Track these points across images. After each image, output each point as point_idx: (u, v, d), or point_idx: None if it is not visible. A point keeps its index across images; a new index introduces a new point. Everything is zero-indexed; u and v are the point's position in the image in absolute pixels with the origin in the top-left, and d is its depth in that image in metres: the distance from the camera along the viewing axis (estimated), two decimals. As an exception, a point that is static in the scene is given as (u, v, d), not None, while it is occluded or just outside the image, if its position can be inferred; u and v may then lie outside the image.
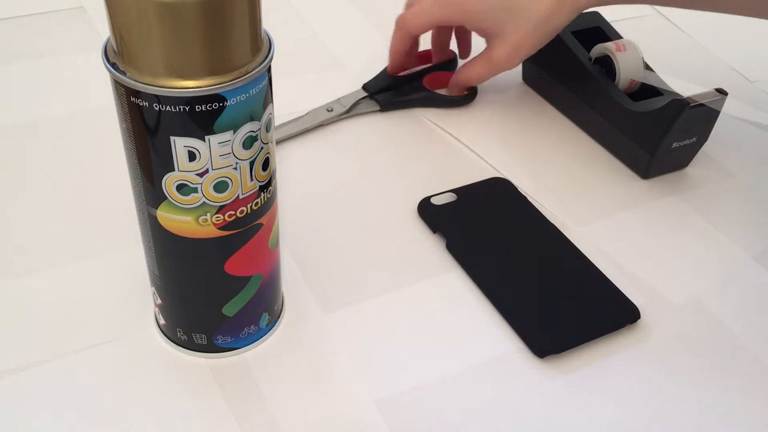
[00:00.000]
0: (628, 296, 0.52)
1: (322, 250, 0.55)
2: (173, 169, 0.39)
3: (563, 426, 0.45)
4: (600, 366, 0.49)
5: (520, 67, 0.72)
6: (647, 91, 0.64)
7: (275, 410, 0.45)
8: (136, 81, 0.36)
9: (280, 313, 0.50)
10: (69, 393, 0.45)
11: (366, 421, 0.45)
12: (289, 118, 0.65)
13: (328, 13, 0.81)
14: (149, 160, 0.39)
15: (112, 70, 0.37)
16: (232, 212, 0.41)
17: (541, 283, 0.53)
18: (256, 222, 0.43)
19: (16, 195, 0.58)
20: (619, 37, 0.68)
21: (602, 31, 0.68)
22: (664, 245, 0.57)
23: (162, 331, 0.48)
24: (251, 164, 0.40)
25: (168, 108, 0.37)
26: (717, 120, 0.61)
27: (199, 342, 0.47)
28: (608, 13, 0.70)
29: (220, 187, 0.40)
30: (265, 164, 0.42)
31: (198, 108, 0.37)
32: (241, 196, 0.41)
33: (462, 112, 0.68)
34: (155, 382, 0.46)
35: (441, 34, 0.71)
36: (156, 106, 0.37)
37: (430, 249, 0.56)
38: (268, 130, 0.41)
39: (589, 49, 0.66)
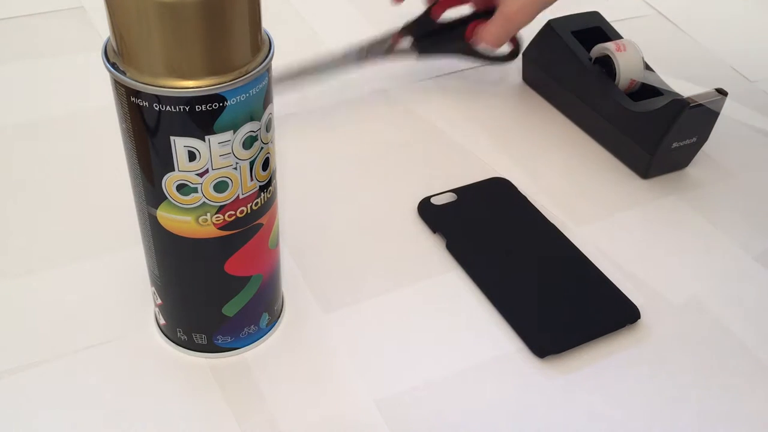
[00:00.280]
0: (628, 296, 0.52)
1: (322, 250, 0.55)
2: (173, 169, 0.39)
3: (563, 426, 0.45)
4: (600, 366, 0.49)
5: (520, 68, 0.72)
6: (647, 91, 0.64)
7: (275, 410, 0.45)
8: (136, 81, 0.36)
9: (280, 313, 0.50)
10: (69, 393, 0.45)
11: (366, 421, 0.45)
12: (289, 118, 0.65)
13: (328, 13, 0.81)
14: (149, 160, 0.39)
15: (112, 70, 0.37)
16: (232, 212, 0.41)
17: (541, 283, 0.53)
18: (256, 222, 0.43)
19: (16, 195, 0.58)
20: (619, 37, 0.68)
21: (602, 31, 0.68)
22: (664, 245, 0.57)
23: (162, 331, 0.48)
24: (251, 164, 0.40)
25: (168, 108, 0.37)
26: (717, 120, 0.61)
27: (199, 342, 0.47)
28: (608, 13, 0.70)
29: (220, 187, 0.40)
30: (265, 164, 0.42)
31: (198, 108, 0.37)
32: (241, 196, 0.41)
33: (462, 112, 0.68)
34: (155, 382, 0.46)
35: None
36: (156, 106, 0.37)
37: (430, 249, 0.56)
38: (268, 130, 0.41)
39: (589, 49, 0.66)
